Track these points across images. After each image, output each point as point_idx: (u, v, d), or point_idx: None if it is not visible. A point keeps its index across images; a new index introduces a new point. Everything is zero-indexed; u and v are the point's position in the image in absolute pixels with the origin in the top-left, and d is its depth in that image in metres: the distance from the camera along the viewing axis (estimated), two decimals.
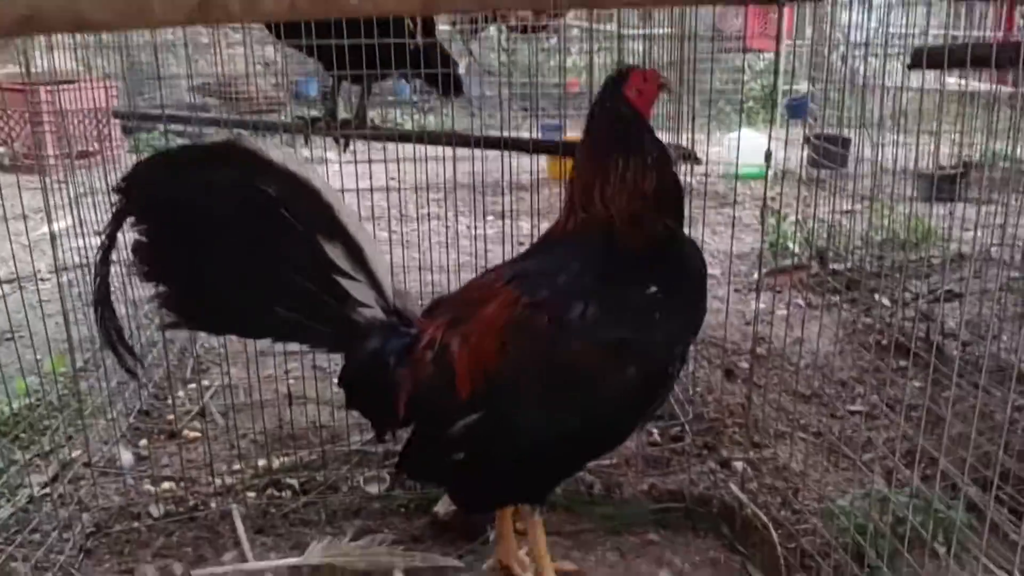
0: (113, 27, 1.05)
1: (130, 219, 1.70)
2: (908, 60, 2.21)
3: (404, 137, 2.65)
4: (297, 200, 1.69)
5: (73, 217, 2.93)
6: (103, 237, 1.70)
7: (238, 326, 1.89)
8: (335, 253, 1.73)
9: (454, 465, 1.83)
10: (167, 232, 1.71)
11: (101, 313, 1.71)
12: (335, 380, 2.67)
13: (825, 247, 4.40)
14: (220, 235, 1.72)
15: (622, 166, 1.78)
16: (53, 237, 2.48)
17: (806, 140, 4.35)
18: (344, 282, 1.76)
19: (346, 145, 2.73)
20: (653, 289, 1.76)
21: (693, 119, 2.72)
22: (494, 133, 3.05)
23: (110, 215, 1.70)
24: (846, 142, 4.10)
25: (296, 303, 1.77)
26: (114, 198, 1.70)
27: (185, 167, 1.71)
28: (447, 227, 3.46)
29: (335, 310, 1.78)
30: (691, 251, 1.90)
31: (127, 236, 1.74)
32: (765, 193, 2.38)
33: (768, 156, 2.23)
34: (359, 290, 1.78)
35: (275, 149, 1.69)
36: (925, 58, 2.21)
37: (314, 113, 2.81)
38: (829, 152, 3.96)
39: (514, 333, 1.76)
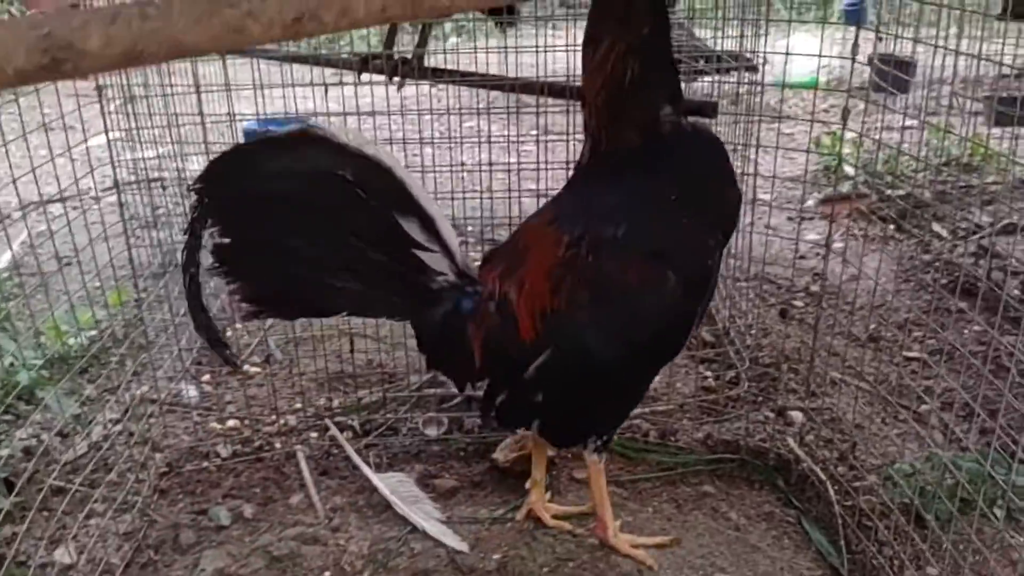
0: (210, 51, 1.02)
1: (209, 219, 1.71)
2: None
3: (466, 78, 2.60)
4: (372, 181, 1.72)
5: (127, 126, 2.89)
6: (187, 238, 1.71)
7: (316, 308, 1.96)
8: (411, 227, 1.77)
9: (536, 406, 1.90)
10: (247, 228, 1.74)
11: (196, 312, 1.75)
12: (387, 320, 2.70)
13: (883, 171, 4.30)
14: (300, 223, 1.75)
15: (613, 51, 1.70)
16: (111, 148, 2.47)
17: (869, 60, 4.18)
18: (421, 254, 1.81)
19: (401, 84, 2.67)
20: (673, 197, 1.80)
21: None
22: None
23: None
24: (911, 67, 3.94)
25: (376, 279, 1.83)
26: (191, 198, 1.72)
27: (261, 160, 1.73)
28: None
29: (413, 281, 1.84)
30: (702, 139, 1.89)
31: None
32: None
33: (845, 115, 2.17)
34: (434, 260, 1.83)
35: (347, 133, 1.70)
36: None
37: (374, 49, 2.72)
38: (892, 76, 3.80)
39: (562, 270, 1.81)
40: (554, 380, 1.85)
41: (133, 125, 2.91)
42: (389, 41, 2.68)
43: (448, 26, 5.81)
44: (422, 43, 2.68)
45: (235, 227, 1.73)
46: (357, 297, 1.84)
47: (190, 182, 1.69)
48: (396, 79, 2.63)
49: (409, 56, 2.64)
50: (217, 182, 1.71)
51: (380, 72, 2.65)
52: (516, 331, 1.84)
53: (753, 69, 3.22)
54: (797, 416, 2.55)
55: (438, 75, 2.66)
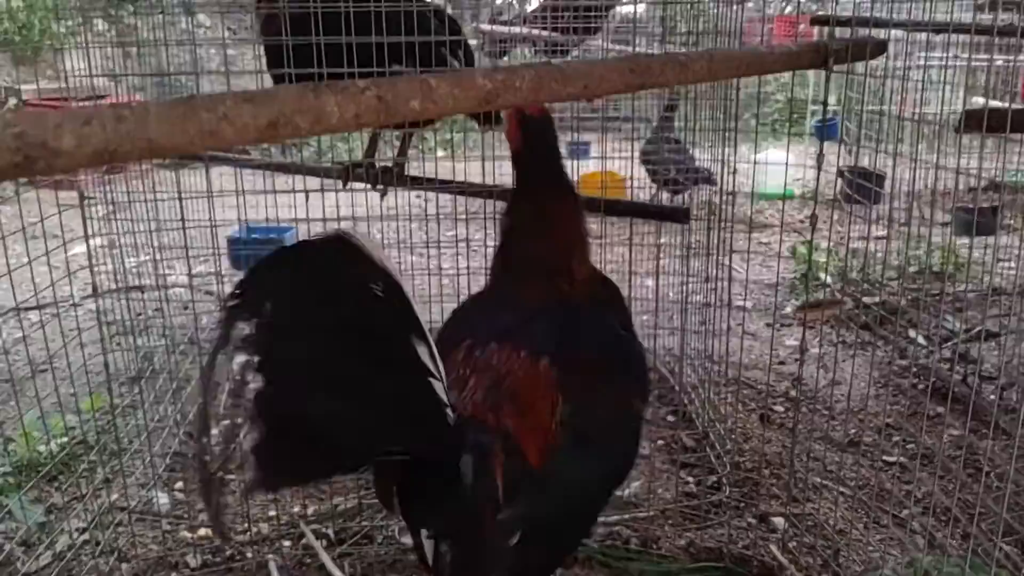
0: (184, 152, 1.04)
1: (247, 333, 1.27)
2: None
3: (444, 186, 2.66)
4: (393, 299, 1.42)
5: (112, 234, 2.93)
6: (215, 351, 1.26)
7: (340, 461, 1.45)
8: (423, 353, 1.46)
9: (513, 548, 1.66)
10: (295, 361, 1.32)
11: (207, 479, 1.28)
12: None
13: (859, 279, 4.36)
14: (343, 350, 1.38)
15: (580, 213, 1.90)
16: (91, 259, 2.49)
17: (840, 173, 4.30)
18: (435, 384, 1.49)
19: (384, 192, 2.73)
20: (621, 330, 1.89)
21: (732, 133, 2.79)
22: None
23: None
24: (880, 179, 4.05)
25: (400, 415, 1.46)
26: (226, 306, 1.29)
27: (307, 272, 1.36)
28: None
29: (433, 415, 1.51)
30: (609, 283, 2.02)
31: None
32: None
33: (813, 221, 2.22)
34: (442, 390, 1.52)
35: (370, 243, 1.42)
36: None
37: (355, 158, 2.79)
38: (862, 188, 3.91)
39: (555, 396, 1.74)
40: (539, 513, 1.64)
41: (115, 231, 2.95)
42: (370, 151, 2.75)
43: (432, 140, 5.97)
44: (402, 152, 2.75)
45: (282, 359, 1.29)
46: (386, 439, 1.44)
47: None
48: (379, 187, 2.69)
49: (390, 165, 2.70)
50: (264, 288, 1.31)
51: (363, 180, 2.71)
52: (524, 463, 1.64)
53: (710, 182, 3.35)
54: (779, 522, 2.51)
55: (418, 183, 2.72)
